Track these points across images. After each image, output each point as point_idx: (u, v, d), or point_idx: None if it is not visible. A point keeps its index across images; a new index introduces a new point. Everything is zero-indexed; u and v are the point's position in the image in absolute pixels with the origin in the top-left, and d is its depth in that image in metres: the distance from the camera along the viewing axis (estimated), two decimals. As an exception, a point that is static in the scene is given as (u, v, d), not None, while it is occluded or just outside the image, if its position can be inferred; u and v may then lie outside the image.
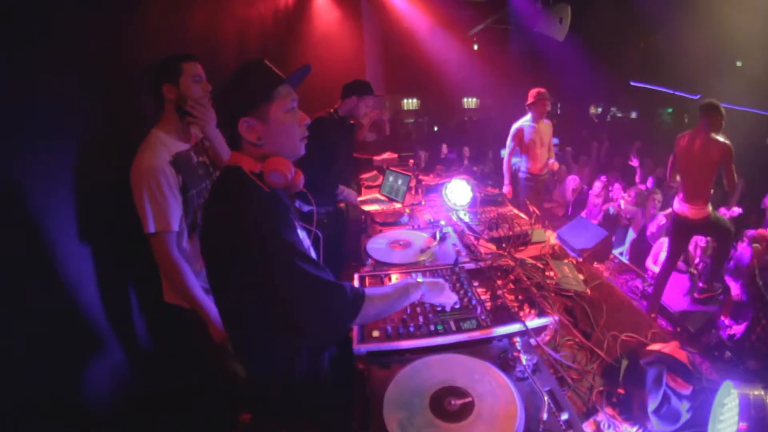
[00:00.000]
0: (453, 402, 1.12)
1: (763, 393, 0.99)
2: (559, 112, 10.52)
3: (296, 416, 1.35)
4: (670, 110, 9.78)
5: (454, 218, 2.58)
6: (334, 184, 3.07)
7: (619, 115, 11.23)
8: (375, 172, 4.04)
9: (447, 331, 1.41)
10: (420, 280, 1.41)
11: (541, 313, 1.50)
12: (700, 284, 3.71)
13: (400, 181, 3.33)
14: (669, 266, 3.71)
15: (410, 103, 9.12)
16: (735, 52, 5.98)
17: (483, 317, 1.47)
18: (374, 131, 5.97)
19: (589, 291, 1.79)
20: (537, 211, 2.30)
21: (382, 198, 3.40)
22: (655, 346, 1.50)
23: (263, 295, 1.14)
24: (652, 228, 4.74)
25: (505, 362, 1.26)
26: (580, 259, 4.12)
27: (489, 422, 1.07)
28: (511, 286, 1.68)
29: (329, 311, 1.15)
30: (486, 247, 2.14)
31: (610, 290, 1.87)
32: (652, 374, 1.37)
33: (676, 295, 3.80)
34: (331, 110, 3.15)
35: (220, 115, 1.37)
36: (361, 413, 1.18)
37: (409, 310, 1.51)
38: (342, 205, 3.26)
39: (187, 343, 2.01)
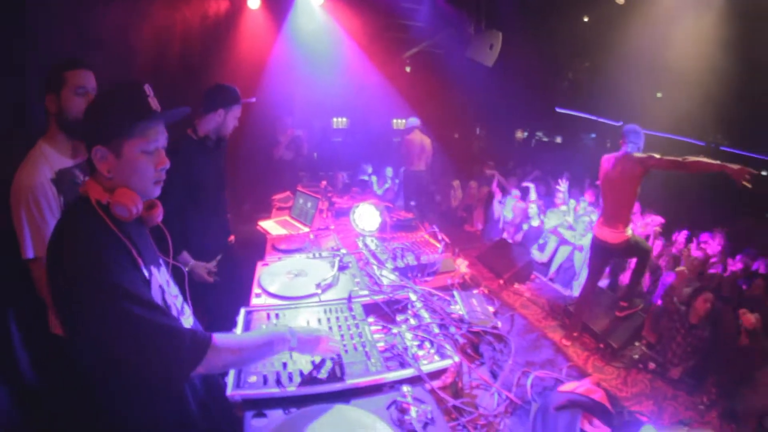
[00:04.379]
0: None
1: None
2: (478, 132, 10.88)
3: None
4: (593, 135, 10.38)
5: (360, 245, 2.34)
6: (209, 222, 2.46)
7: (545, 139, 11.77)
8: (288, 193, 3.73)
9: (331, 379, 1.19)
10: (293, 329, 1.20)
11: (441, 354, 1.28)
12: (621, 302, 3.73)
13: (309, 204, 3.06)
14: (590, 287, 3.72)
15: (339, 122, 8.93)
16: (656, 84, 6.44)
17: (373, 361, 1.23)
18: (292, 150, 5.71)
19: (500, 324, 1.60)
20: (446, 239, 2.11)
21: (292, 221, 3.10)
22: (569, 386, 1.33)
23: (92, 339, 1.06)
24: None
25: (399, 413, 1.09)
26: (501, 282, 4.01)
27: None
28: (412, 322, 1.45)
29: (159, 357, 1.03)
30: (390, 279, 1.91)
31: (523, 323, 1.71)
32: (564, 420, 1.19)
33: (599, 313, 3.81)
34: (189, 130, 2.36)
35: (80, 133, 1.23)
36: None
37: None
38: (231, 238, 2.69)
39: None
